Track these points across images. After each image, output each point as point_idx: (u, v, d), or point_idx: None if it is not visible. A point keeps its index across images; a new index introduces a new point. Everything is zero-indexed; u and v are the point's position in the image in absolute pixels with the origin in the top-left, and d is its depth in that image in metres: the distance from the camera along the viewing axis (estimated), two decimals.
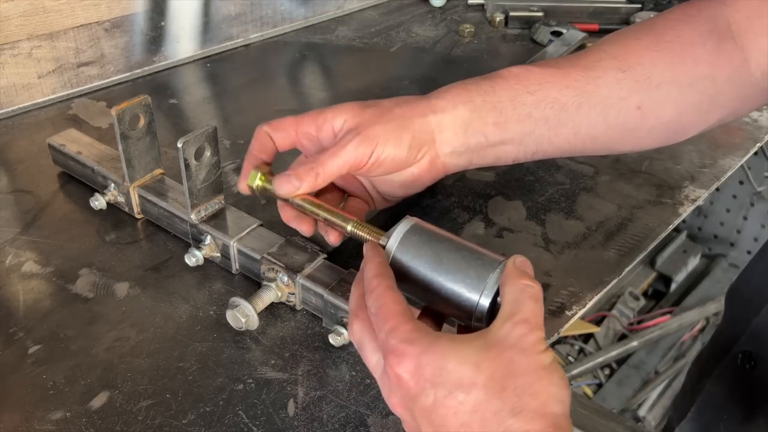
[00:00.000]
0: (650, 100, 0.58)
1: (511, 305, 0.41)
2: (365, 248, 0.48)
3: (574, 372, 1.46)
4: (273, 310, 0.59)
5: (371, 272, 0.44)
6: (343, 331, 0.54)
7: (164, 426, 0.49)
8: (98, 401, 0.50)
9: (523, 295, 0.41)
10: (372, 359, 0.43)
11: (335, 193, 0.61)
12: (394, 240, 0.48)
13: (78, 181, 0.73)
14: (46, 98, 0.88)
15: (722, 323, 0.80)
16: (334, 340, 0.54)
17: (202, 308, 0.59)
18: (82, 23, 0.87)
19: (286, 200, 0.56)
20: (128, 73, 0.95)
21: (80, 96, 0.91)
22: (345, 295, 0.54)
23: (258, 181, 0.57)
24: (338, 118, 0.55)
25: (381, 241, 0.49)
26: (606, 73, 0.57)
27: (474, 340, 0.39)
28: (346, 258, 0.63)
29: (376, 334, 0.41)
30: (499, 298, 0.44)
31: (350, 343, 0.55)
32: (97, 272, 0.62)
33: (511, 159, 0.61)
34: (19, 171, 0.76)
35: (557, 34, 1.13)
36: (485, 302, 0.44)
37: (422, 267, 0.46)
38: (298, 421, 0.49)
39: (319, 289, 0.55)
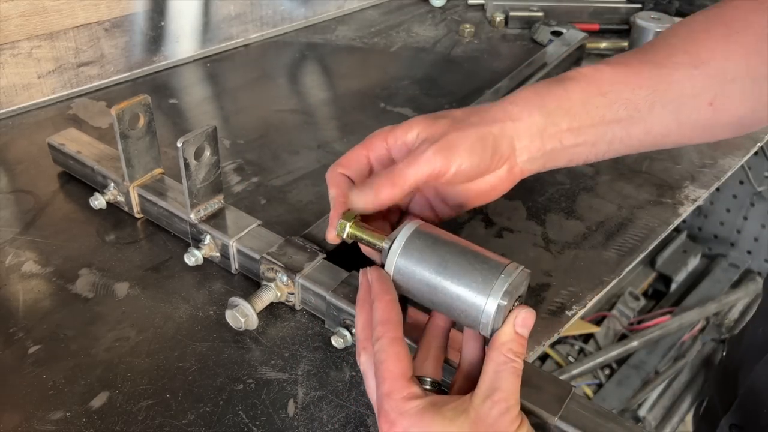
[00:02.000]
0: (723, 96, 0.56)
1: (491, 381, 0.43)
2: (372, 276, 0.48)
3: (574, 372, 1.45)
4: (273, 310, 0.59)
5: (379, 316, 0.45)
6: (346, 333, 0.53)
7: (164, 426, 0.49)
8: (98, 401, 0.50)
9: (504, 370, 0.43)
10: (372, 395, 0.45)
11: (394, 213, 0.59)
12: (398, 244, 0.47)
13: (78, 181, 0.73)
14: (46, 98, 0.88)
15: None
16: (336, 342, 0.54)
17: (202, 308, 0.59)
18: (82, 23, 0.87)
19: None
20: (128, 73, 0.95)
21: (80, 96, 0.91)
22: (348, 297, 0.54)
23: (349, 230, 0.50)
24: (410, 133, 0.54)
25: (384, 243, 0.48)
26: (678, 70, 0.55)
27: (457, 417, 0.41)
28: (345, 258, 0.63)
29: (375, 384, 0.44)
30: (505, 302, 0.43)
31: (352, 345, 0.55)
32: (97, 272, 0.62)
33: (582, 160, 0.59)
34: (19, 171, 0.76)
35: (557, 34, 1.13)
36: (492, 306, 0.44)
37: (427, 271, 0.46)
38: (298, 421, 0.49)
39: (321, 291, 0.55)
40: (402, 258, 0.47)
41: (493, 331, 0.44)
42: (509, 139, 0.54)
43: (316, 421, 0.49)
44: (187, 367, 0.53)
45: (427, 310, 0.50)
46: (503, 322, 0.46)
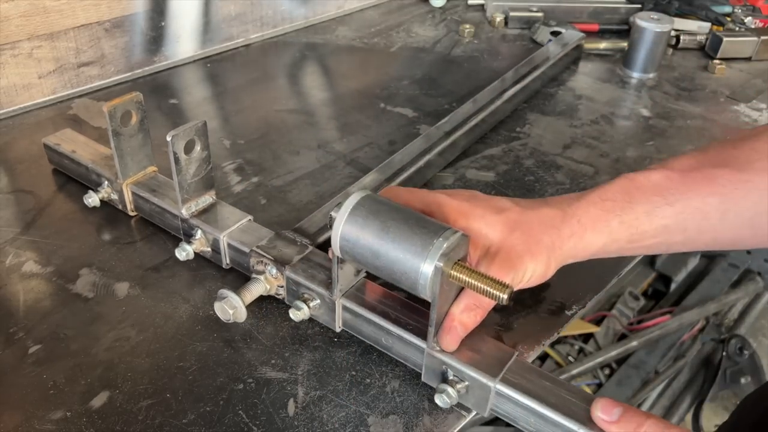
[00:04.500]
0: None
1: None
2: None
3: (574, 372, 1.45)
4: (273, 310, 0.59)
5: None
6: (303, 305, 0.54)
7: (164, 426, 0.49)
8: (98, 401, 0.50)
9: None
10: None
11: None
12: (343, 211, 0.48)
13: (78, 182, 0.73)
14: (47, 98, 0.88)
15: None
16: (294, 315, 0.55)
17: (202, 308, 0.59)
18: (82, 23, 0.87)
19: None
20: (128, 73, 0.95)
21: (80, 96, 0.91)
22: (306, 272, 0.55)
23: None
24: (485, 236, 0.52)
25: (332, 213, 0.49)
26: (758, 177, 0.52)
27: None
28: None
29: None
30: (441, 264, 0.43)
31: (343, 338, 0.55)
32: (97, 272, 0.62)
33: (635, 256, 0.60)
34: (19, 171, 0.76)
35: (557, 34, 1.13)
36: (428, 268, 0.44)
37: (370, 236, 0.47)
38: (298, 421, 0.49)
39: (282, 267, 0.56)
40: (347, 224, 0.48)
41: (433, 294, 0.45)
42: (572, 256, 0.54)
43: (316, 420, 0.50)
44: (187, 367, 0.53)
45: (389, 285, 0.51)
46: (456, 299, 0.48)
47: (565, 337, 1.56)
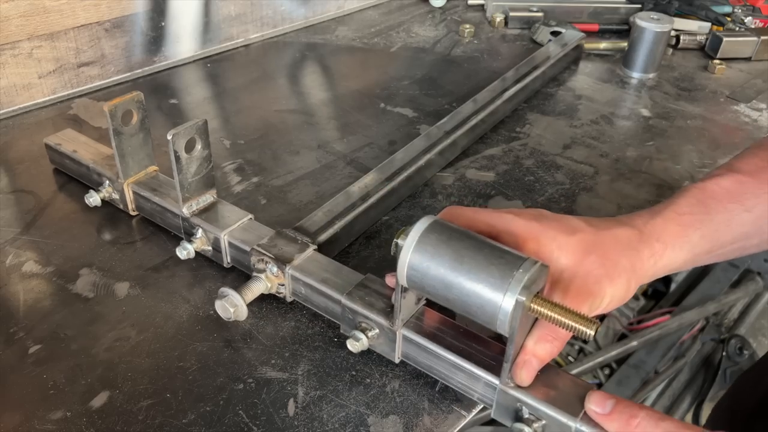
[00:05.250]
0: None
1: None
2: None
3: (574, 372, 1.45)
4: (273, 310, 0.59)
5: None
6: (362, 336, 0.52)
7: (164, 425, 0.49)
8: (98, 401, 0.50)
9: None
10: None
11: None
12: (411, 239, 0.45)
13: (78, 182, 0.73)
14: (47, 98, 0.88)
15: None
16: (352, 346, 0.52)
17: (202, 308, 0.59)
18: (82, 23, 0.87)
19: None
20: (128, 73, 0.95)
21: (81, 96, 0.91)
22: (364, 300, 0.53)
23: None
24: (557, 260, 0.49)
25: (399, 240, 0.46)
26: None
27: None
28: (337, 250, 0.64)
29: None
30: (523, 297, 0.41)
31: (342, 339, 0.55)
32: (98, 272, 0.62)
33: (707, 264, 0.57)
34: (19, 171, 0.76)
35: (557, 34, 1.13)
36: (509, 303, 0.42)
37: (442, 267, 0.44)
38: (298, 421, 0.49)
39: (336, 294, 0.54)
40: (416, 253, 0.45)
41: (512, 329, 0.43)
42: (650, 276, 0.52)
43: (316, 420, 0.50)
44: (187, 367, 0.53)
45: (446, 310, 0.49)
46: (530, 331, 0.45)
47: None
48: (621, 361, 1.53)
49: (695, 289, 1.69)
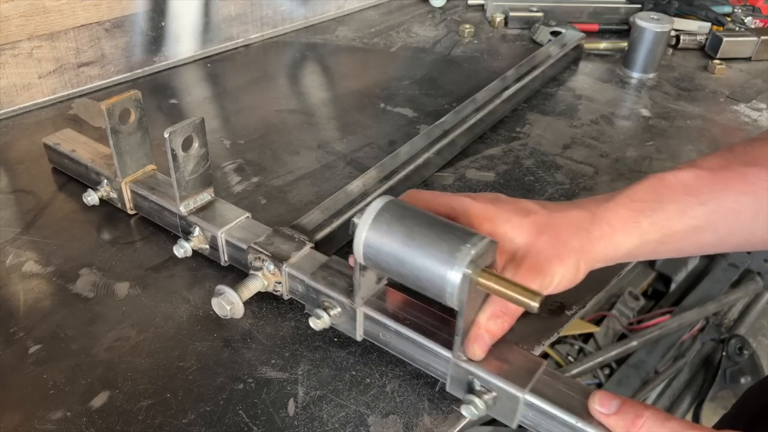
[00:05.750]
0: None
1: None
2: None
3: (574, 372, 1.45)
4: (273, 310, 0.59)
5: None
6: (323, 314, 0.54)
7: (164, 425, 0.49)
8: (99, 401, 0.50)
9: None
10: None
11: None
12: (367, 217, 0.47)
13: (78, 182, 0.73)
14: (47, 98, 0.88)
15: None
16: (314, 324, 0.54)
17: (202, 308, 0.59)
18: (82, 23, 0.87)
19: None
20: (129, 73, 0.96)
21: (81, 96, 0.91)
22: (327, 280, 0.54)
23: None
24: (511, 240, 0.51)
25: (356, 219, 0.48)
26: None
27: None
28: (333, 247, 0.64)
29: None
30: (470, 271, 0.42)
31: (342, 338, 0.55)
32: (98, 272, 0.62)
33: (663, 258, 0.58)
34: (19, 171, 0.76)
35: (557, 34, 1.13)
36: (456, 276, 0.43)
37: (395, 243, 0.46)
38: (298, 421, 0.49)
39: (302, 276, 0.55)
40: (371, 231, 0.46)
41: (460, 303, 0.44)
42: (601, 260, 0.53)
43: (316, 420, 0.50)
44: (187, 367, 0.53)
45: (411, 292, 0.50)
46: (482, 307, 0.47)
47: (565, 337, 1.56)
48: (621, 361, 1.53)
49: (695, 289, 1.69)
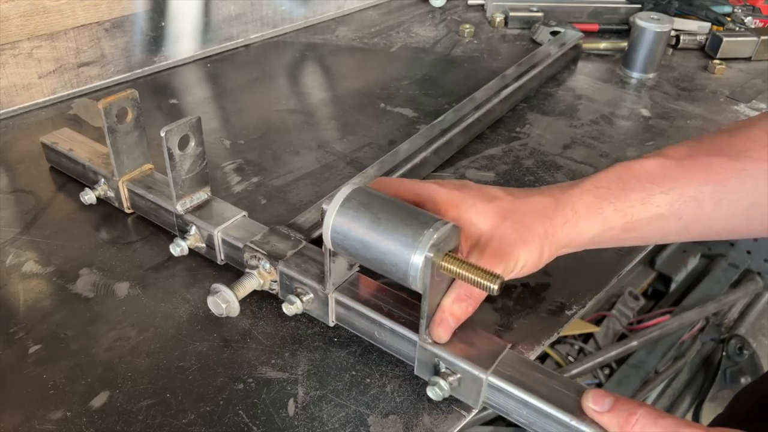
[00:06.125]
0: None
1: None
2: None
3: (574, 372, 1.45)
4: (273, 309, 0.59)
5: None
6: (296, 300, 0.54)
7: (164, 425, 0.49)
8: (98, 401, 0.50)
9: None
10: None
11: None
12: (335, 203, 0.48)
13: (78, 182, 0.73)
14: (47, 98, 0.88)
15: None
16: (287, 309, 0.55)
17: (202, 308, 0.59)
18: (82, 23, 0.87)
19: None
20: (128, 73, 0.95)
21: (81, 96, 0.91)
22: (300, 267, 0.55)
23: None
24: (476, 225, 0.52)
25: (324, 206, 0.49)
26: (754, 165, 0.51)
27: None
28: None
29: None
30: (431, 254, 0.43)
31: (342, 338, 0.55)
32: (98, 272, 0.62)
33: (629, 246, 0.59)
34: (19, 171, 0.76)
35: (557, 34, 1.13)
36: (419, 259, 0.44)
37: (361, 228, 0.47)
38: (298, 421, 0.49)
39: (275, 262, 0.56)
40: (338, 217, 0.47)
41: (424, 286, 0.45)
42: (565, 245, 0.53)
43: (316, 420, 0.50)
44: (187, 367, 0.53)
45: (373, 273, 0.51)
46: (447, 291, 0.48)
47: (565, 337, 1.56)
48: (621, 361, 1.53)
49: (695, 289, 1.69)
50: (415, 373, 0.52)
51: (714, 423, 0.87)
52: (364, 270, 0.55)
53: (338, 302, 0.54)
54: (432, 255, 0.44)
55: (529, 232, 0.51)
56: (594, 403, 0.45)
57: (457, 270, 0.45)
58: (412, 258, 0.45)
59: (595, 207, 0.53)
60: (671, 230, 0.54)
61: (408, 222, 0.46)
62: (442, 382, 0.49)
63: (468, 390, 0.49)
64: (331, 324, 0.56)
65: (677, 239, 0.57)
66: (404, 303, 0.53)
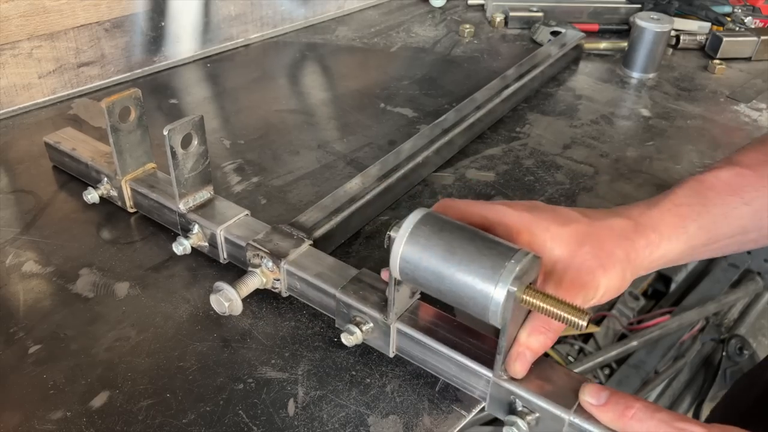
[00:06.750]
0: None
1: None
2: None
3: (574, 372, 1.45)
4: (273, 310, 0.59)
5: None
6: (356, 330, 0.52)
7: (164, 425, 0.49)
8: (98, 401, 0.50)
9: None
10: None
11: None
12: (404, 230, 0.45)
13: (78, 181, 0.73)
14: (47, 98, 0.88)
15: None
16: (347, 340, 0.53)
17: (202, 308, 0.59)
18: (82, 23, 0.87)
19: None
20: (128, 73, 0.95)
21: (81, 96, 0.91)
22: (358, 294, 0.53)
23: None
24: (551, 251, 0.49)
25: (392, 233, 0.46)
26: None
27: None
28: (333, 245, 0.64)
29: None
30: (515, 288, 0.41)
31: (362, 344, 0.55)
32: (97, 272, 0.62)
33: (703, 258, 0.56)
34: (19, 171, 0.76)
35: (557, 34, 1.13)
36: (500, 294, 0.42)
37: (434, 258, 0.44)
38: (298, 421, 0.49)
39: (330, 289, 0.54)
40: (408, 245, 0.45)
41: (504, 321, 0.43)
42: (646, 267, 0.51)
43: (316, 420, 0.50)
44: (187, 367, 0.53)
45: (439, 303, 0.48)
46: (523, 323, 0.45)
47: (565, 337, 1.56)
48: (621, 361, 1.53)
49: (695, 289, 1.69)
50: (486, 410, 0.49)
51: (711, 416, 0.87)
52: (424, 295, 0.51)
53: (401, 332, 0.51)
54: (515, 289, 0.41)
55: (610, 258, 0.48)
56: (590, 396, 0.44)
57: (541, 305, 0.42)
58: (493, 292, 0.42)
59: (678, 227, 0.51)
60: (750, 239, 0.53)
61: (485, 252, 0.43)
62: (520, 422, 0.46)
63: (548, 430, 0.46)
64: (391, 355, 0.53)
65: (754, 246, 0.55)
66: (468, 333, 0.51)
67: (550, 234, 0.48)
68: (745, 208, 0.51)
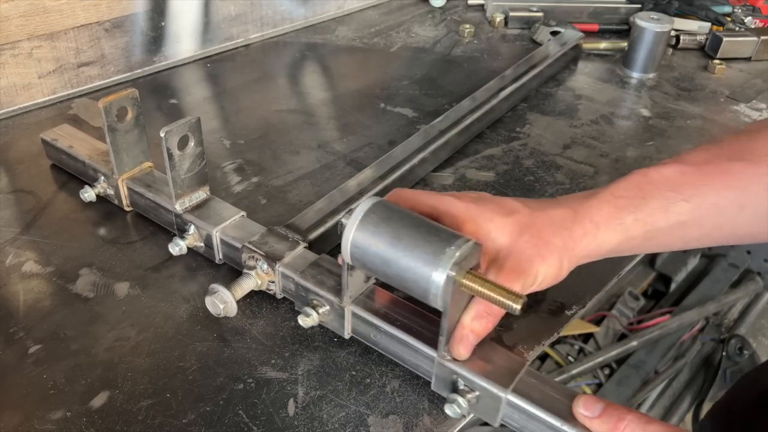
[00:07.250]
0: None
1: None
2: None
3: (574, 372, 1.45)
4: (273, 310, 0.59)
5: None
6: (312, 312, 0.54)
7: (164, 425, 0.49)
8: (98, 401, 0.50)
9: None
10: None
11: None
12: (354, 218, 0.47)
13: (78, 181, 0.73)
14: (47, 98, 0.88)
15: None
16: (303, 321, 0.54)
17: (202, 308, 0.59)
18: (82, 23, 0.87)
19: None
20: (128, 73, 0.95)
21: (81, 96, 0.91)
22: (316, 278, 0.55)
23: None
24: (494, 240, 0.51)
25: (344, 220, 0.48)
26: None
27: None
28: (328, 247, 0.64)
29: None
30: (453, 273, 0.43)
31: (343, 339, 0.55)
32: (98, 272, 0.62)
33: (646, 252, 0.58)
34: (19, 171, 0.76)
35: (557, 34, 1.13)
36: (440, 277, 0.44)
37: (381, 244, 0.46)
38: (298, 421, 0.49)
39: (292, 274, 0.55)
40: (358, 232, 0.47)
41: (444, 303, 0.45)
42: (584, 257, 0.52)
43: (316, 420, 0.50)
44: (187, 367, 0.53)
45: (389, 287, 0.51)
46: (466, 307, 0.47)
47: (565, 337, 1.56)
48: (621, 361, 1.53)
49: (695, 289, 1.69)
50: (432, 388, 0.52)
51: (713, 411, 0.87)
52: (380, 281, 0.54)
53: (355, 315, 0.54)
54: (454, 273, 0.43)
55: (547, 246, 0.50)
56: (585, 408, 0.45)
57: (479, 288, 0.44)
58: (433, 276, 0.44)
59: (614, 217, 0.52)
60: (693, 237, 0.53)
61: (429, 239, 0.45)
62: (460, 399, 0.48)
63: (487, 408, 0.49)
64: (347, 336, 0.55)
65: (699, 245, 0.56)
66: (421, 317, 0.53)
67: (494, 224, 0.51)
68: (684, 204, 0.52)
